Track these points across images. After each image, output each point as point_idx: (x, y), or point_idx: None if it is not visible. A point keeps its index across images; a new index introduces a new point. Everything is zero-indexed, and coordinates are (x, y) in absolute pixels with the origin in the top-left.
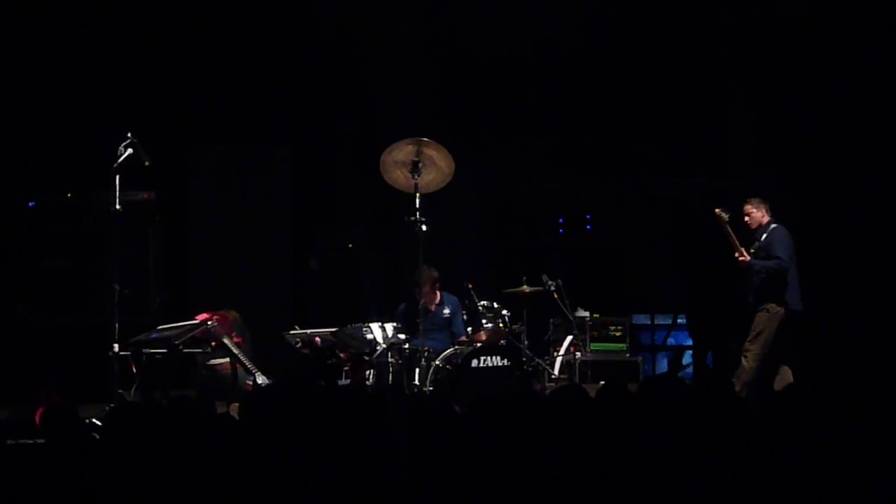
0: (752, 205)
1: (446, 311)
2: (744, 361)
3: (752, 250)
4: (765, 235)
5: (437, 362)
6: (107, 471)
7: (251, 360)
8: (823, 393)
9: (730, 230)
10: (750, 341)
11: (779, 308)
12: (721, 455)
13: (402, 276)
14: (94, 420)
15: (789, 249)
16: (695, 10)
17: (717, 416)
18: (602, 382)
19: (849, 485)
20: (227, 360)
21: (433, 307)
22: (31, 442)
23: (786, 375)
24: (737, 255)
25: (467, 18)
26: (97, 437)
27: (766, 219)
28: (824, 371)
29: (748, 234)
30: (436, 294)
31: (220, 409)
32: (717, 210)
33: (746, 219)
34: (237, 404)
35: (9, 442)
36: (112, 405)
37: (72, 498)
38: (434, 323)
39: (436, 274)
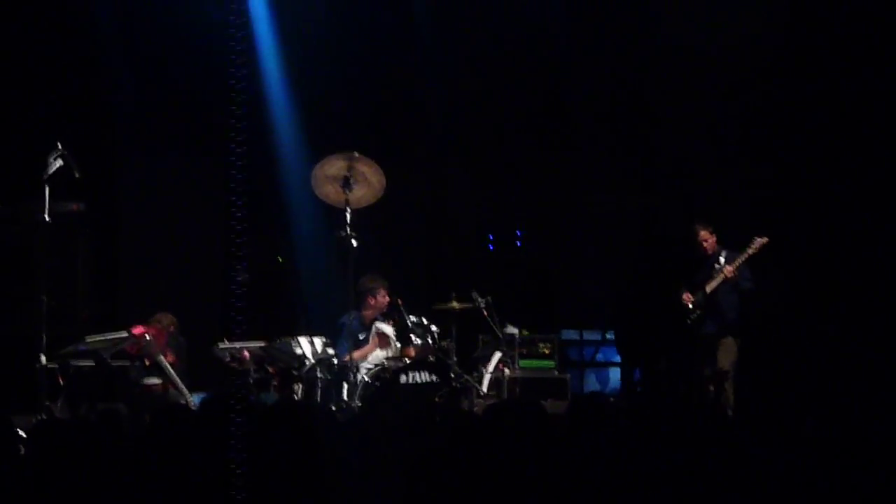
0: (708, 231)
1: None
2: (728, 388)
3: (714, 280)
4: (724, 259)
5: (366, 378)
6: (31, 484)
7: (185, 379)
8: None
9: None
10: (729, 371)
11: (738, 337)
12: (651, 472)
13: (331, 290)
14: (19, 432)
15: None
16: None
17: (647, 435)
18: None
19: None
20: (160, 381)
21: (369, 323)
22: None
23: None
24: (731, 269)
25: (396, 35)
26: (22, 449)
27: (716, 245)
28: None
29: (693, 258)
30: (385, 302)
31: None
32: (685, 298)
33: (705, 244)
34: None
35: None
36: (38, 418)
37: None
38: (367, 340)
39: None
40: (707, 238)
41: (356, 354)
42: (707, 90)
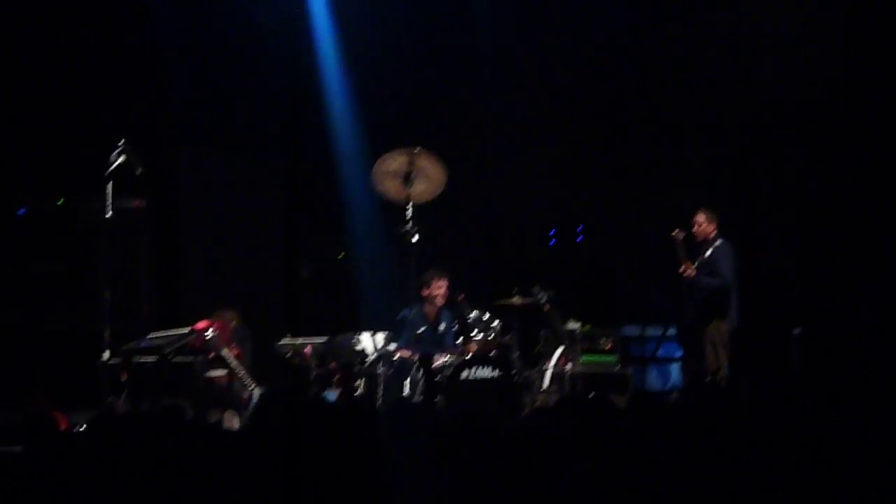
0: (704, 216)
1: (442, 325)
2: (724, 374)
3: (695, 265)
4: (710, 252)
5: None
6: (88, 480)
7: (249, 372)
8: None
9: (681, 247)
10: (717, 356)
11: (723, 324)
12: (715, 467)
13: (393, 285)
14: (82, 427)
15: (733, 268)
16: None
17: (710, 428)
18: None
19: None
20: (225, 372)
21: (432, 318)
22: (18, 449)
23: None
24: (682, 268)
25: (457, 24)
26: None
27: (713, 233)
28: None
29: (695, 245)
30: (443, 298)
31: (214, 417)
32: (675, 232)
33: (695, 228)
34: (230, 412)
35: None
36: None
37: None
38: (427, 334)
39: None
40: (700, 223)
41: (403, 353)
42: (770, 87)
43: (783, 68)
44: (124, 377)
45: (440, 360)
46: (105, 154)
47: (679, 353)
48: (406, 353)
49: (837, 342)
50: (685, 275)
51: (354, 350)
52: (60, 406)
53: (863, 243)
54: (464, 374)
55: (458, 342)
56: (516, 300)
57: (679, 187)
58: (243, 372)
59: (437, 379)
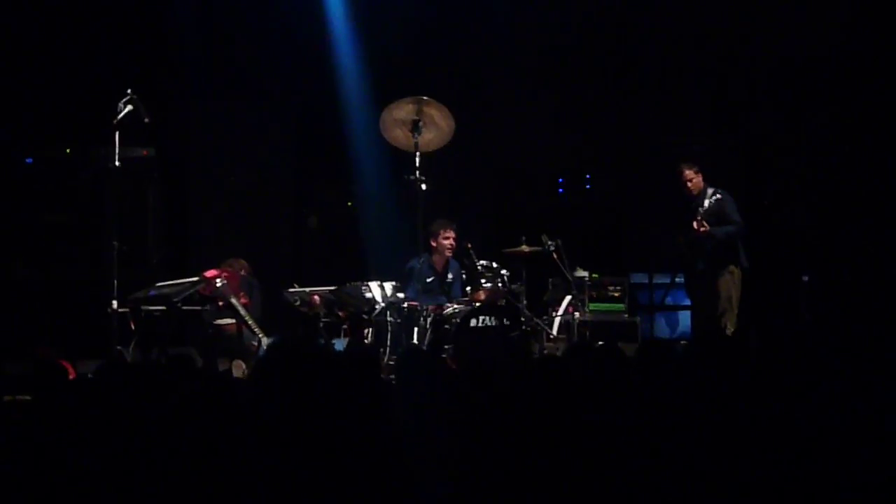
0: (690, 170)
1: (449, 275)
2: (729, 327)
3: (698, 217)
4: (708, 202)
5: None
6: (96, 429)
7: (258, 321)
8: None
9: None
10: (725, 306)
11: (737, 269)
12: (723, 416)
13: (400, 234)
14: (90, 376)
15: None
16: None
17: (716, 377)
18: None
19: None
20: (234, 321)
21: (440, 268)
22: (27, 398)
23: None
24: (696, 224)
25: None
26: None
27: (702, 184)
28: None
29: (686, 201)
30: (452, 249)
31: (223, 366)
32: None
33: (689, 184)
34: (239, 361)
35: (5, 398)
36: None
37: (64, 454)
38: (435, 284)
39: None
40: (692, 178)
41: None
42: (781, 28)
43: (794, 9)
44: (133, 326)
45: (448, 309)
46: (112, 103)
47: (686, 301)
48: (414, 303)
49: (846, 288)
50: (700, 231)
51: (363, 299)
52: (69, 356)
53: (871, 189)
54: (472, 323)
55: (466, 291)
56: (524, 248)
57: (687, 134)
58: (252, 321)
59: (445, 328)
